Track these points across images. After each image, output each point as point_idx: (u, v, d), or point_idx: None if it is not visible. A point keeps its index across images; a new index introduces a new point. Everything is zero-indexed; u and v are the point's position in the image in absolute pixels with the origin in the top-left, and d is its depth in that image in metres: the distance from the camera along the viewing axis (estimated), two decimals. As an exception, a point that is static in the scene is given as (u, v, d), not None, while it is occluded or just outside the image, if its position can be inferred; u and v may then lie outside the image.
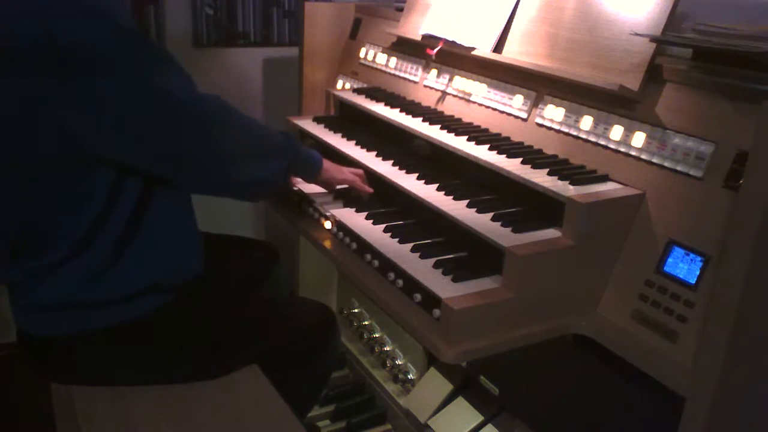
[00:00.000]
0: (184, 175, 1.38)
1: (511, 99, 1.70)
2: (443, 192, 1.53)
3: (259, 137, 1.47)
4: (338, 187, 1.71)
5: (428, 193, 1.53)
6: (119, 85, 1.21)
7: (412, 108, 1.88)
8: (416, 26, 1.99)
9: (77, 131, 1.22)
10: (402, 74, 2.10)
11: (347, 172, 1.68)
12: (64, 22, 1.16)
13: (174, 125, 1.29)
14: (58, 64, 1.16)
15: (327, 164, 1.64)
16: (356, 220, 1.60)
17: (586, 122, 1.49)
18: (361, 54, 2.31)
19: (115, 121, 1.23)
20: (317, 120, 2.11)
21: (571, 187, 1.36)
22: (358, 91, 2.15)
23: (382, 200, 1.68)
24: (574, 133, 1.52)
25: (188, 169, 1.37)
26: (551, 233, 1.35)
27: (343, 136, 1.93)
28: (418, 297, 1.31)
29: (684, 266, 1.23)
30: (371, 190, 1.69)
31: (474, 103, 1.82)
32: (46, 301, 1.36)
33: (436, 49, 1.88)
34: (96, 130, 1.23)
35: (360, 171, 1.71)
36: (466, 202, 1.47)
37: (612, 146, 1.43)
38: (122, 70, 1.21)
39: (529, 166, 1.47)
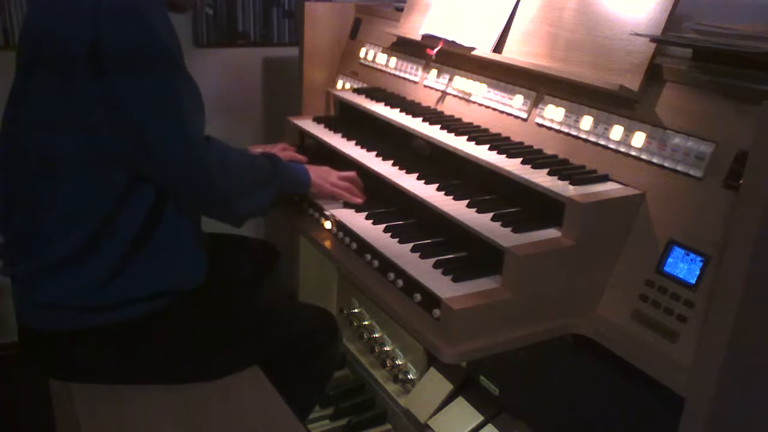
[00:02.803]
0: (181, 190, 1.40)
1: (511, 99, 1.70)
2: (443, 192, 1.53)
3: (253, 172, 1.50)
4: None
5: (428, 193, 1.53)
6: (148, 86, 1.25)
7: (412, 108, 1.88)
8: (416, 26, 1.99)
9: (102, 129, 1.26)
10: (402, 74, 2.10)
11: (337, 183, 1.68)
12: (108, 23, 1.20)
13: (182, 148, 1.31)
14: (96, 63, 1.21)
15: (315, 178, 1.66)
16: (356, 220, 1.60)
17: (586, 122, 1.49)
18: (361, 54, 2.31)
19: (135, 121, 1.26)
20: (317, 120, 2.11)
21: (571, 187, 1.36)
22: (358, 91, 2.15)
23: (382, 200, 1.68)
24: (574, 133, 1.52)
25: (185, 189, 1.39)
26: (551, 233, 1.35)
27: (343, 136, 1.93)
28: (418, 297, 1.31)
29: (684, 266, 1.23)
30: (361, 201, 1.68)
31: (474, 103, 1.82)
32: (48, 299, 1.36)
33: (436, 49, 1.88)
34: (117, 128, 1.26)
35: (352, 174, 1.71)
36: (466, 202, 1.47)
37: (612, 146, 1.43)
38: (157, 72, 1.25)
39: (529, 166, 1.47)
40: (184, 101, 1.29)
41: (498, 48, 1.74)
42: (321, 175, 1.68)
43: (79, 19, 1.21)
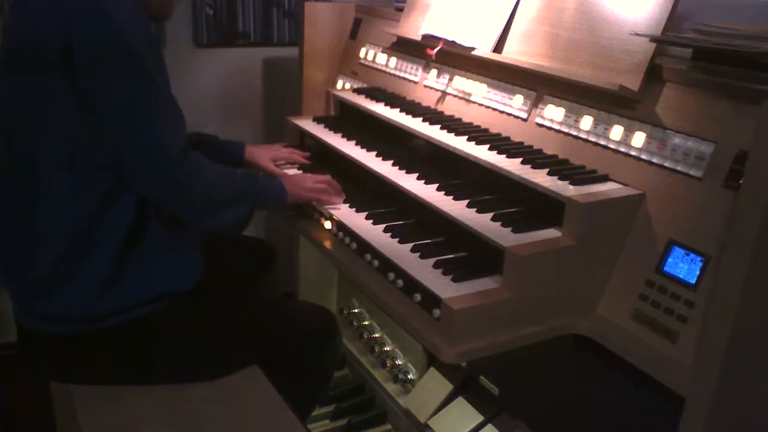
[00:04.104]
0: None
1: (511, 99, 1.70)
2: (443, 192, 1.53)
3: (227, 190, 1.47)
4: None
5: (428, 193, 1.53)
6: (116, 93, 1.24)
7: (412, 108, 1.88)
8: (416, 26, 1.99)
9: (79, 134, 1.26)
10: (402, 74, 2.10)
11: (314, 187, 1.66)
12: (81, 23, 1.21)
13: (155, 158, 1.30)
14: (68, 66, 1.21)
15: (290, 188, 1.62)
16: (356, 220, 1.60)
17: (586, 122, 1.49)
18: (361, 54, 2.31)
19: (106, 128, 1.26)
20: (317, 120, 2.11)
21: (571, 187, 1.36)
22: (358, 91, 2.15)
23: (382, 200, 1.68)
24: (574, 133, 1.52)
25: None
26: (551, 233, 1.35)
27: (343, 136, 1.93)
28: (418, 297, 1.31)
29: (684, 266, 1.23)
30: (340, 200, 1.67)
31: (474, 103, 1.81)
32: (45, 311, 1.37)
33: (436, 49, 1.88)
34: (92, 134, 1.26)
35: (327, 177, 1.70)
36: (466, 202, 1.47)
37: (612, 146, 1.43)
38: (125, 78, 1.24)
39: (529, 166, 1.47)
40: (156, 112, 1.28)
41: (498, 48, 1.74)
42: (295, 183, 1.65)
43: (54, 23, 1.21)
